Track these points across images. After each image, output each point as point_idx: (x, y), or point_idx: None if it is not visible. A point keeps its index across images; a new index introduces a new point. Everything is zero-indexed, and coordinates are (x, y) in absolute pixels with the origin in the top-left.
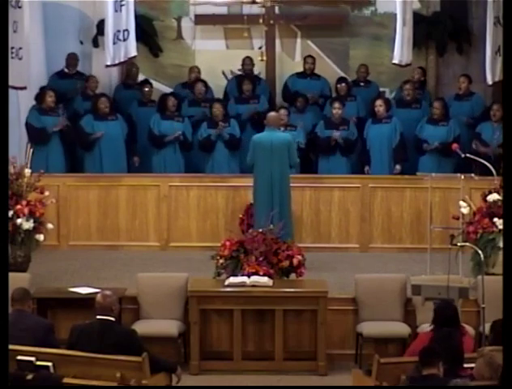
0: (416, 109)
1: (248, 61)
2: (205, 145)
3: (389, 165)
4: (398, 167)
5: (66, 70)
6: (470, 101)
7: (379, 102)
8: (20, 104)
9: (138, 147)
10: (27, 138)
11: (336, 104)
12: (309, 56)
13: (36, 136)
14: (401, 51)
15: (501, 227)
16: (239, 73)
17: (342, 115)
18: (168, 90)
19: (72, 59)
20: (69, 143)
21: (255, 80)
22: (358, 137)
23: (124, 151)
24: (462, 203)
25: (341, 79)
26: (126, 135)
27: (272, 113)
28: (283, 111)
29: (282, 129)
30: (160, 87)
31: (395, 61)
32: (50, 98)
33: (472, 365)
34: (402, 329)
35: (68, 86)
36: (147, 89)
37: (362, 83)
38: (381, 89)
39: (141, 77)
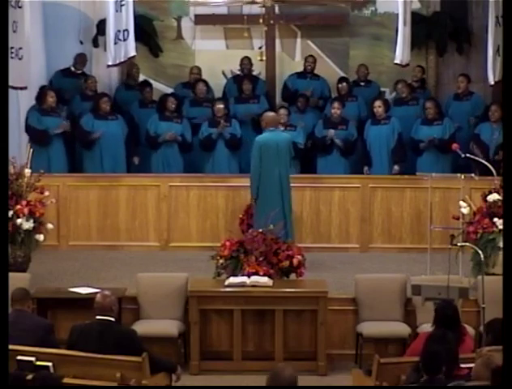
0: (413, 105)
1: (246, 62)
2: (206, 144)
3: (388, 166)
4: (396, 167)
5: (72, 68)
6: (470, 101)
7: (378, 103)
8: (20, 104)
9: (139, 148)
10: (29, 140)
11: (335, 104)
12: (310, 55)
13: (38, 138)
14: (402, 51)
15: (501, 227)
16: (237, 73)
17: (341, 115)
18: (169, 90)
19: (82, 59)
20: (70, 144)
21: (254, 80)
22: (358, 137)
23: (123, 151)
24: (462, 203)
25: (342, 79)
26: (126, 136)
27: (269, 114)
28: (283, 111)
29: (282, 129)
30: (160, 87)
31: (397, 61)
32: (51, 98)
33: (471, 365)
34: (402, 329)
35: (70, 84)
36: (147, 90)
37: (362, 83)
38: (382, 89)
39: (141, 77)
